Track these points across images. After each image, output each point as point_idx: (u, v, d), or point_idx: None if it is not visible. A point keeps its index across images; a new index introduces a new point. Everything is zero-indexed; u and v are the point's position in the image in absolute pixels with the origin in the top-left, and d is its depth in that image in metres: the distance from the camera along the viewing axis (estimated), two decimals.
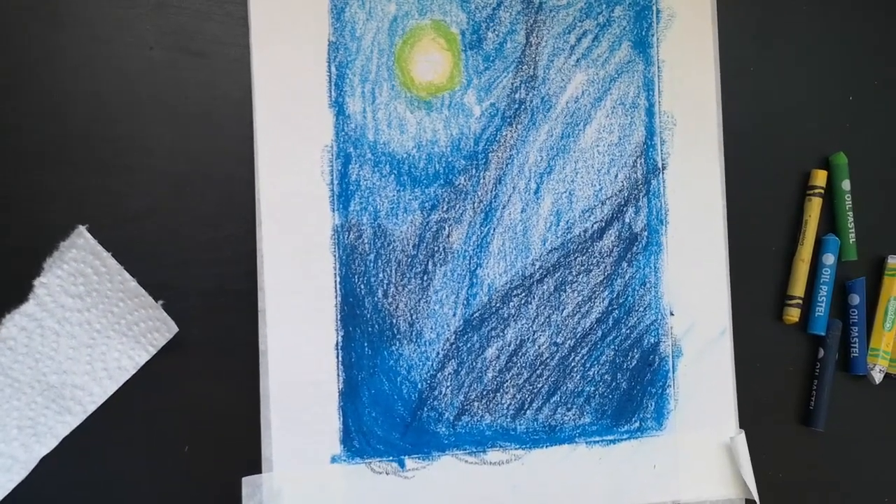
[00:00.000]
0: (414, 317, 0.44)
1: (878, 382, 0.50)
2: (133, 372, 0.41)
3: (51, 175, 0.41)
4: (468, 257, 0.45)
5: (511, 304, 0.46)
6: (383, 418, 0.44)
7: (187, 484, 0.42)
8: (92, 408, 0.41)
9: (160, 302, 0.41)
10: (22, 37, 0.41)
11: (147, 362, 0.41)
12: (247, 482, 0.42)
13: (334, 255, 0.44)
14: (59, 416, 0.41)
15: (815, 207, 0.50)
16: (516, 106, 0.46)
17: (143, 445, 0.42)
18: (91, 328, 0.41)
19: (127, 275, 0.40)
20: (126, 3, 0.42)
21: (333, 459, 0.43)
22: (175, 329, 0.41)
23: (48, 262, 0.40)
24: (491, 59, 0.46)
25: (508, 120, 0.46)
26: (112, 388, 0.41)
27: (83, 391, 0.41)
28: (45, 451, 0.40)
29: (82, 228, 0.40)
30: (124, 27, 0.42)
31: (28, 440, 0.40)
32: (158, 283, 0.41)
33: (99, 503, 0.41)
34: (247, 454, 0.42)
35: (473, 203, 0.45)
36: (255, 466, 0.42)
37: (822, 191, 0.50)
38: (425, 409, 0.45)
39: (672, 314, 0.47)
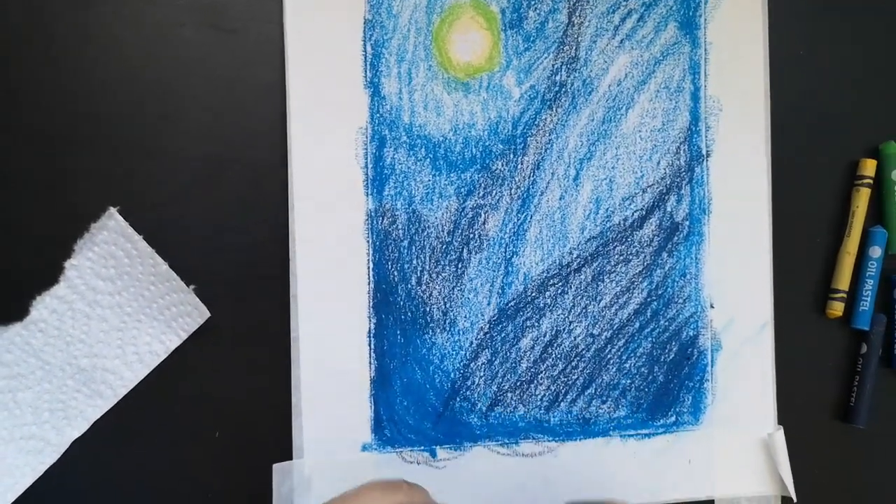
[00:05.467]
0: (448, 305, 0.43)
1: None
2: (164, 356, 0.41)
3: (80, 156, 0.40)
4: (504, 245, 0.44)
5: (547, 293, 0.44)
6: (415, 407, 0.43)
7: (217, 469, 0.42)
8: (123, 392, 0.41)
9: (192, 287, 0.40)
10: (50, 14, 0.40)
11: (178, 347, 0.41)
12: (277, 469, 0.41)
13: (368, 241, 0.42)
14: (90, 400, 0.40)
15: (862, 198, 0.48)
16: (557, 88, 0.44)
17: (173, 430, 0.41)
18: (122, 312, 0.40)
19: (158, 258, 0.40)
20: None
21: (364, 448, 0.43)
22: (207, 314, 0.40)
23: (79, 244, 0.39)
24: (531, 39, 0.44)
25: (548, 103, 0.44)
26: (143, 372, 0.41)
27: (114, 375, 0.40)
28: (76, 434, 0.40)
29: (113, 210, 0.39)
30: (154, 3, 0.41)
31: (59, 423, 0.40)
32: (189, 267, 0.41)
33: (129, 487, 0.41)
34: (277, 441, 0.42)
35: (510, 189, 0.44)
36: (285, 453, 0.42)
37: (871, 181, 0.48)
38: (458, 399, 0.44)
39: (712, 307, 0.46)
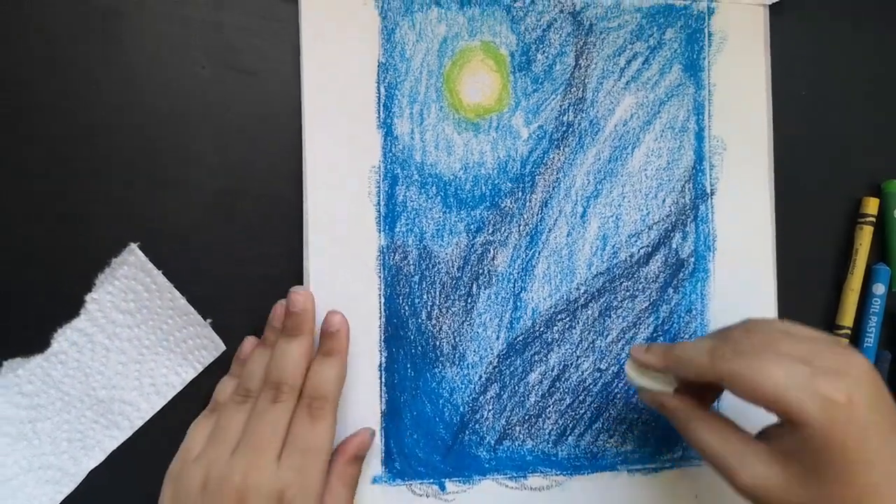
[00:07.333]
0: (457, 339, 0.44)
1: None
2: (180, 388, 0.42)
3: (101, 190, 0.42)
4: (513, 281, 0.45)
5: (555, 328, 0.45)
6: (425, 441, 0.44)
7: None
8: (139, 423, 0.41)
9: (208, 320, 0.41)
10: (73, 53, 0.41)
11: (194, 379, 0.42)
12: None
13: (379, 276, 0.43)
14: (108, 431, 0.41)
15: (865, 236, 0.49)
16: (564, 128, 0.46)
17: None
18: (140, 344, 0.41)
19: (177, 292, 0.41)
20: (178, 20, 0.42)
21: (374, 480, 0.43)
22: (223, 347, 0.41)
23: (100, 278, 0.41)
24: (540, 81, 0.45)
25: (556, 143, 0.46)
26: (159, 403, 0.42)
27: (131, 406, 0.41)
28: (93, 464, 0.41)
29: (134, 246, 0.41)
30: (176, 44, 0.42)
31: (77, 453, 0.41)
32: (206, 300, 0.42)
33: None
34: None
35: (519, 226, 0.45)
36: None
37: (874, 219, 0.49)
38: (467, 432, 0.44)
39: None
